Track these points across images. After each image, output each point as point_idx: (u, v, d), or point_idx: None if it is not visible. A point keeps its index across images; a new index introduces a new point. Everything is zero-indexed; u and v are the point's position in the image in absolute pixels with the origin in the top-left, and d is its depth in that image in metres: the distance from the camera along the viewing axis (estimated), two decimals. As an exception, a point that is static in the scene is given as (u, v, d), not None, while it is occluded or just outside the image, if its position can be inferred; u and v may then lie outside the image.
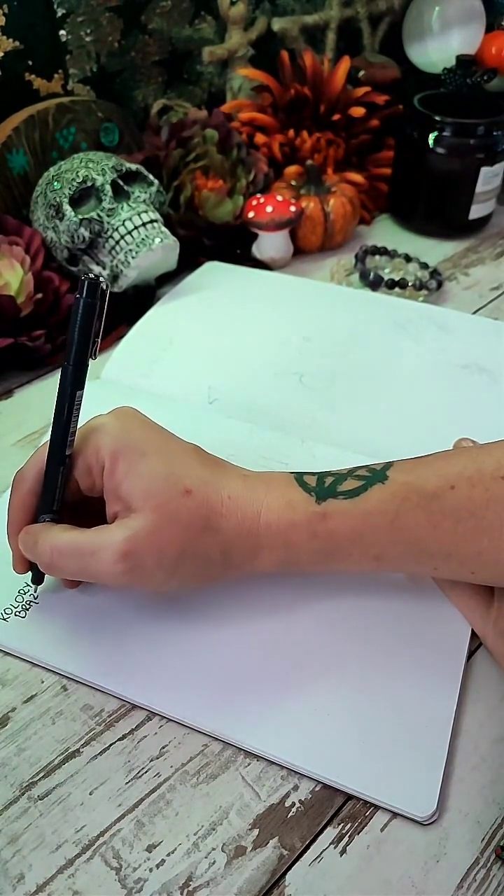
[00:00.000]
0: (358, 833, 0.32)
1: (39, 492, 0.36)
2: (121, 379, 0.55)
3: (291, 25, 0.82)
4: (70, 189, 0.59)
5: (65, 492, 0.36)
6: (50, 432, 0.35)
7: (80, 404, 0.35)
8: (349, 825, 0.32)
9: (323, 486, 0.35)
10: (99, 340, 0.34)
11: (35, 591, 0.40)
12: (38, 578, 0.39)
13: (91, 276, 0.33)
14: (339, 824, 0.32)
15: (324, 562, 0.35)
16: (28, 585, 0.40)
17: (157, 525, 0.33)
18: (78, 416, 0.35)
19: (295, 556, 0.35)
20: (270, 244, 0.70)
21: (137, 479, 0.34)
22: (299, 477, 0.36)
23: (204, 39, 0.80)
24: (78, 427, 0.36)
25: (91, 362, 0.35)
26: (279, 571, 0.36)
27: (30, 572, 0.39)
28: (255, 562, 0.35)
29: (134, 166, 0.61)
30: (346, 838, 0.32)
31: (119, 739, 0.35)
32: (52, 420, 0.35)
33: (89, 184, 0.59)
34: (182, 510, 0.33)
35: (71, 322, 0.34)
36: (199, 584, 0.36)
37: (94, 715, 0.36)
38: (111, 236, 0.59)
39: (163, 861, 0.31)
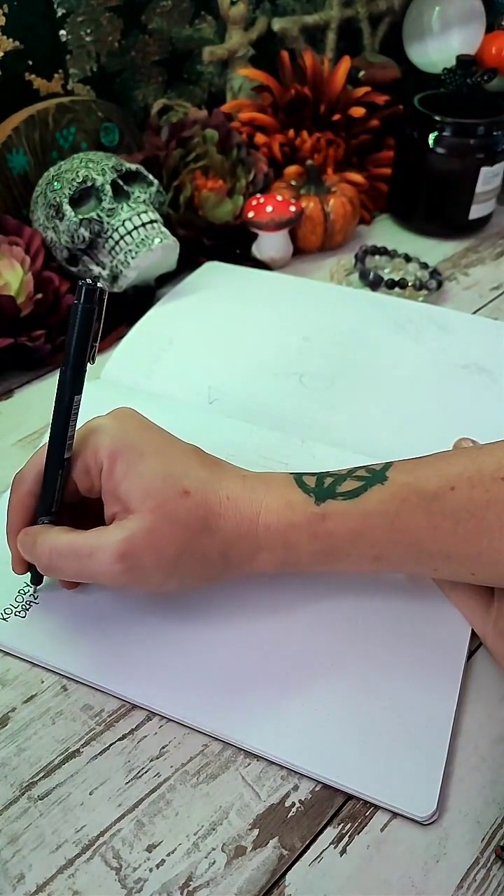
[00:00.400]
0: (358, 833, 0.32)
1: (38, 493, 0.36)
2: (121, 379, 0.55)
3: (291, 25, 0.82)
4: (70, 189, 0.59)
5: (64, 493, 0.36)
6: (48, 435, 0.35)
7: (77, 408, 0.35)
8: (349, 825, 0.32)
9: (322, 487, 0.35)
10: (97, 345, 0.34)
11: (34, 592, 0.40)
12: (36, 579, 0.39)
13: (89, 280, 0.33)
14: (339, 824, 0.32)
15: (323, 562, 0.35)
16: (28, 585, 0.40)
17: (154, 526, 0.33)
18: (76, 419, 0.35)
19: (294, 556, 0.35)
20: (270, 244, 0.70)
21: (136, 480, 0.34)
22: (298, 478, 0.36)
23: (204, 39, 0.80)
24: (77, 429, 0.36)
25: (90, 364, 0.35)
26: (278, 572, 0.36)
27: (29, 573, 0.39)
28: (254, 562, 0.35)
29: (134, 166, 0.61)
30: (346, 838, 0.32)
31: (119, 739, 0.35)
32: (51, 424, 0.35)
33: (89, 184, 0.59)
34: (180, 511, 0.33)
35: (69, 327, 0.34)
36: (198, 584, 0.36)
37: (94, 715, 0.36)
38: (111, 236, 0.59)
39: (163, 861, 0.31)
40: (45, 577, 0.39)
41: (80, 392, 0.35)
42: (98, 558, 0.33)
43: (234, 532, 0.34)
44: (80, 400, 0.35)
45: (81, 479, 0.36)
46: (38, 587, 0.40)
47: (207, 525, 0.34)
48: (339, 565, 0.36)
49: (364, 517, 0.34)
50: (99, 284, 0.33)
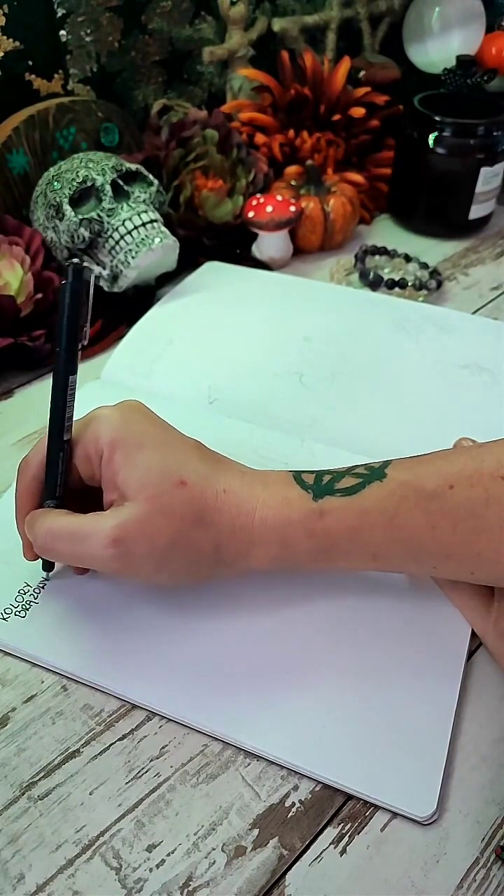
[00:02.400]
0: (358, 833, 0.32)
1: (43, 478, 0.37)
2: (121, 379, 0.55)
3: (291, 25, 0.82)
4: (70, 189, 0.59)
5: (67, 479, 0.37)
6: (48, 419, 0.36)
7: (74, 388, 0.36)
8: (349, 825, 0.32)
9: (320, 484, 0.35)
10: (88, 325, 0.35)
11: (46, 578, 0.40)
12: (47, 565, 0.40)
13: (76, 261, 0.34)
14: (339, 824, 0.32)
15: (320, 560, 0.35)
16: (27, 585, 0.40)
17: (148, 514, 0.33)
18: (73, 400, 0.36)
19: (291, 553, 0.35)
20: (270, 244, 0.70)
21: (133, 470, 0.34)
22: (297, 475, 0.36)
23: (204, 39, 0.80)
24: (80, 417, 0.36)
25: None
26: (275, 569, 0.36)
27: (40, 560, 0.39)
28: (249, 558, 0.35)
29: (134, 166, 0.61)
30: (346, 838, 0.32)
31: (119, 739, 0.35)
32: (50, 406, 0.35)
33: (89, 184, 0.59)
34: (175, 502, 0.34)
35: (59, 307, 0.34)
36: (191, 578, 0.36)
37: (94, 715, 0.36)
38: (111, 236, 0.59)
39: (163, 861, 0.31)
40: (56, 565, 0.40)
41: (74, 371, 0.36)
42: (91, 542, 0.33)
43: (228, 526, 0.34)
44: (75, 380, 0.36)
45: (82, 466, 0.36)
46: (49, 573, 0.40)
47: (202, 517, 0.34)
48: (337, 563, 0.36)
49: (362, 514, 0.34)
50: (85, 264, 0.34)
